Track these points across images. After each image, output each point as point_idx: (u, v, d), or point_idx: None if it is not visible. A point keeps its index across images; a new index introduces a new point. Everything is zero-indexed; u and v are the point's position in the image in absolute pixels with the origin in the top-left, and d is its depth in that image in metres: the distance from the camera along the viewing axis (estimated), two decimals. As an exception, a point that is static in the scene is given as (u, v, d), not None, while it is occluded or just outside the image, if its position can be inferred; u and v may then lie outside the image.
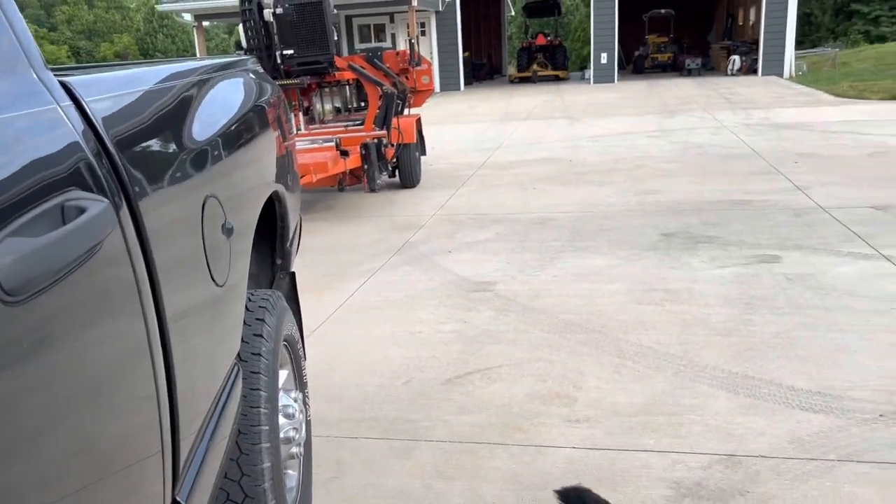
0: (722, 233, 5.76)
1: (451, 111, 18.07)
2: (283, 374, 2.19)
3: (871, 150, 8.88)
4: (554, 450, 2.83)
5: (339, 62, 7.77)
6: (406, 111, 8.70)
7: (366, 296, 4.83)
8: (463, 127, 14.66)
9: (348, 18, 24.36)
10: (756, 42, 22.30)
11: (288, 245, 2.49)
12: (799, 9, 21.78)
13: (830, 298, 4.24)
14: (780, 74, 21.35)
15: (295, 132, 7.71)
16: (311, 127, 8.28)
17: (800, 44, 25.34)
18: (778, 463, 2.66)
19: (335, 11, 8.63)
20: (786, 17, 21.18)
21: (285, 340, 2.16)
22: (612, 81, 22.95)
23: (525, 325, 4.14)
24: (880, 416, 2.93)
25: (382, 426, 3.07)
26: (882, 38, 36.28)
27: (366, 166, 6.99)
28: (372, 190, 7.16)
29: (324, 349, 3.96)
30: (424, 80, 9.02)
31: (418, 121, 8.60)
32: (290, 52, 7.45)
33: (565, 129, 13.29)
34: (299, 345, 2.40)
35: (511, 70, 30.88)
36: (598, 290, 4.65)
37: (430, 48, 23.82)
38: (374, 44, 23.14)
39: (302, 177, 5.85)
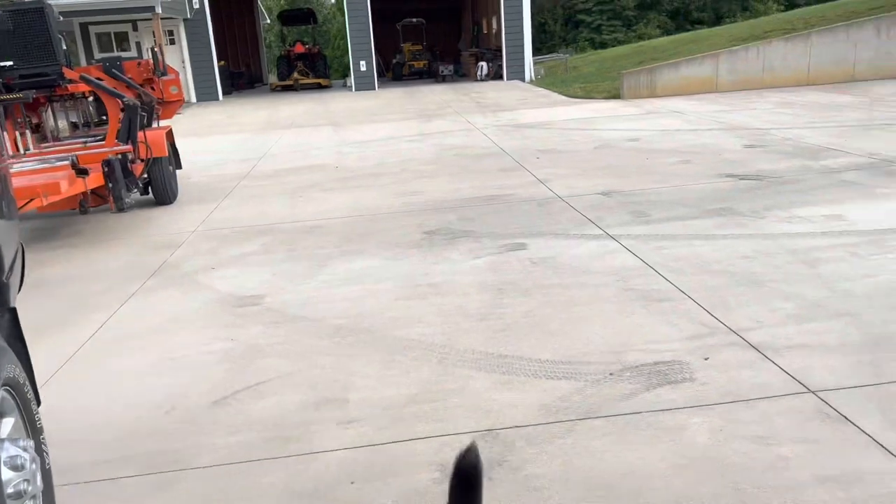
0: (477, 226, 6.19)
1: (210, 122, 17.25)
2: (8, 422, 1.96)
3: (597, 144, 10.08)
4: (327, 454, 2.85)
5: (70, 74, 7.06)
6: (156, 123, 8.16)
7: (119, 324, 4.46)
8: (224, 138, 14.08)
9: (83, 26, 22.17)
10: (500, 49, 24.19)
11: (4, 278, 2.23)
12: (534, 19, 23.99)
13: (568, 277, 4.76)
14: (522, 79, 23.39)
15: (13, 152, 6.88)
16: (43, 145, 7.43)
17: (538, 50, 27.91)
18: (530, 431, 2.93)
19: (61, 18, 7.81)
20: (522, 26, 23.24)
21: (5, 384, 1.93)
22: (374, 89, 23.49)
23: (295, 336, 4.11)
24: (610, 374, 3.36)
25: (142, 462, 2.87)
26: (604, 45, 41.31)
27: (110, 184, 6.43)
28: (120, 209, 6.61)
29: (71, 388, 3.60)
30: (173, 91, 8.53)
31: (169, 133, 8.10)
32: (9, 63, 6.64)
33: (330, 136, 13.35)
34: (27, 388, 2.16)
35: (272, 79, 30.28)
36: (367, 291, 4.76)
37: (181, 57, 22.52)
38: (115, 53, 21.30)
39: (29, 201, 5.23)
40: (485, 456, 2.71)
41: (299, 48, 27.60)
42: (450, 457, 2.75)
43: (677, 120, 11.89)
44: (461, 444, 2.83)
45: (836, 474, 2.48)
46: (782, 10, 36.43)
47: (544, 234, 5.81)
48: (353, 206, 7.33)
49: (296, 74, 26.65)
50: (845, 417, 2.82)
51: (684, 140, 9.82)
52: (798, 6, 36.65)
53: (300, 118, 16.88)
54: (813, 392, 3.04)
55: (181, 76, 19.26)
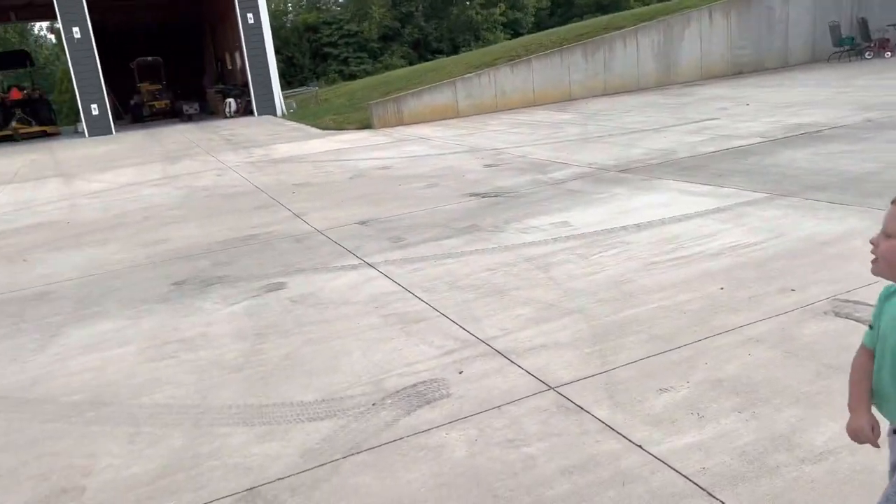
0: (232, 270, 5.91)
1: None
2: None
3: (352, 174, 10.23)
4: (59, 556, 2.49)
5: None
6: None
7: None
8: (-78, 201, 12.00)
9: None
10: (247, 85, 23.64)
11: None
12: (280, 52, 23.82)
13: (329, 311, 4.72)
14: (274, 113, 23.07)
15: None
16: None
17: (288, 84, 27.78)
18: (293, 480, 2.82)
19: None
20: (267, 61, 22.95)
21: None
22: (110, 133, 21.63)
23: (19, 423, 3.57)
24: (372, 405, 3.37)
25: None
26: (353, 76, 42.29)
27: None
28: None
29: None
30: None
31: None
32: None
33: (60, 188, 12.00)
34: None
35: (-15, 128, 26.57)
36: (108, 358, 4.29)
37: None
38: None
39: None
40: (245, 518, 2.56)
41: (16, 94, 24.58)
42: (206, 527, 2.55)
43: (424, 146, 12.50)
44: (219, 510, 2.64)
45: (577, 463, 2.71)
46: (509, 39, 40.20)
47: (304, 270, 5.72)
48: (89, 265, 6.62)
49: (15, 123, 23.65)
50: (581, 408, 3.10)
51: (431, 164, 10.33)
52: (521, 34, 40.74)
53: (23, 171, 14.98)
54: (553, 388, 3.30)
55: None
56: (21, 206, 10.43)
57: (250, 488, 2.79)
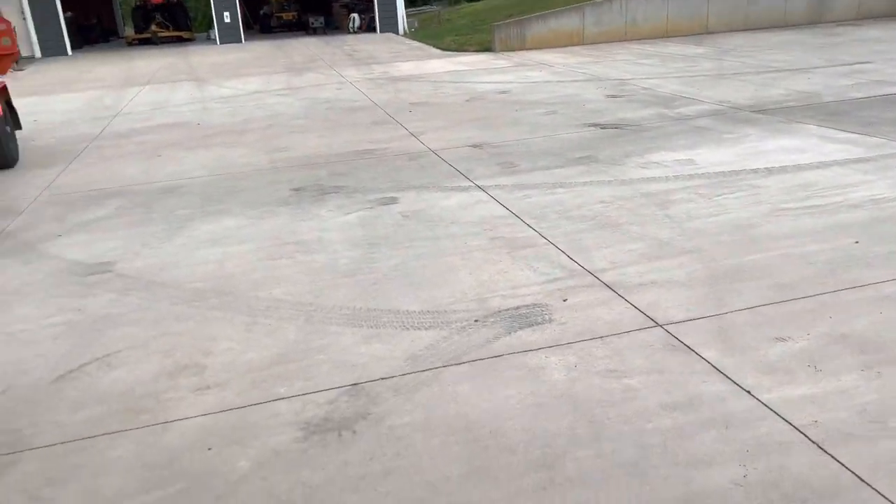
0: (348, 182, 6.06)
1: (58, 78, 15.81)
2: None
3: (469, 97, 10.11)
4: (182, 422, 2.72)
5: None
6: (-15, 80, 7.35)
7: (-53, 302, 4.04)
8: (74, 95, 12.95)
9: None
10: (372, 1, 23.59)
11: None
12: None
13: (438, 229, 4.77)
14: (396, 31, 23.00)
15: None
16: None
17: (411, 2, 27.50)
18: (396, 381, 2.93)
19: None
20: (394, -23, 22.75)
21: None
22: (240, 41, 22.34)
23: (150, 302, 3.88)
24: (475, 321, 3.41)
25: (-28, 447, 2.62)
26: (477, -2, 41.17)
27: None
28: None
29: None
30: (5, 43, 7.69)
31: (2, 90, 7.33)
32: None
33: (193, 91, 12.59)
34: None
35: (128, 32, 28.09)
36: (230, 253, 4.55)
37: (19, 7, 20.39)
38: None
39: None
40: (349, 411, 2.70)
41: (156, -1, 25.69)
42: (313, 414, 2.71)
43: (545, 72, 12.13)
44: (326, 399, 2.79)
45: (680, 401, 2.65)
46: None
47: (416, 187, 5.78)
48: (216, 165, 6.97)
49: (154, 27, 24.84)
50: (689, 347, 3.01)
51: (551, 91, 10.04)
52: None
53: (160, 73, 15.80)
54: (661, 325, 3.22)
55: (20, 28, 17.50)
56: (158, 106, 11.06)
57: (355, 384, 2.92)
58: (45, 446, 2.61)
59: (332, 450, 2.50)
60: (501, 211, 5.02)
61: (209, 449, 2.54)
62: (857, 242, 3.92)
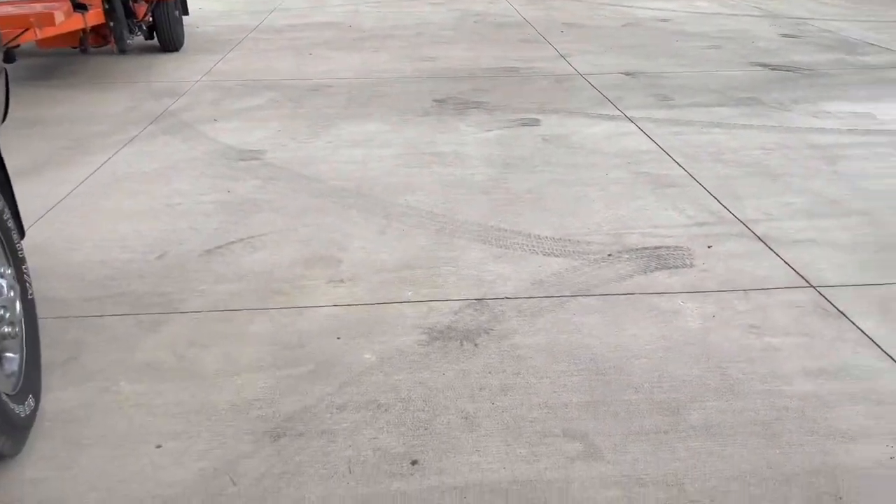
0: (491, 98, 5.94)
1: (223, -29, 16.37)
2: (-16, 248, 1.91)
3: (625, 21, 9.54)
4: (315, 309, 2.84)
5: None
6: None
7: (116, 167, 4.38)
8: (235, -12, 13.40)
9: None
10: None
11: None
12: None
13: (579, 156, 4.60)
14: (556, -53, 21.90)
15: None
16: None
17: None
18: (520, 303, 2.90)
19: None
20: None
21: (-20, 210, 1.86)
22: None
23: (293, 193, 4.03)
24: (608, 255, 3.29)
25: (130, 302, 2.87)
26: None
27: (111, 23, 6.13)
28: (121, 51, 6.35)
29: (63, 226, 3.57)
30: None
31: (174, -26, 7.66)
32: None
33: (346, -7, 12.68)
34: (6, 215, 2.10)
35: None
36: (370, 156, 4.62)
37: None
38: None
39: (22, 32, 4.99)
40: (472, 323, 2.70)
41: None
42: (437, 321, 2.74)
43: (714, 2, 11.19)
44: (451, 309, 2.82)
45: (826, 368, 2.45)
46: None
47: (559, 111, 5.58)
48: (363, 68, 7.04)
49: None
50: (843, 314, 2.77)
51: (718, 24, 9.27)
52: None
53: (317, -27, 15.98)
54: (814, 287, 2.97)
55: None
56: (312, 5, 11.24)
57: (480, 299, 2.92)
58: (191, 312, 2.81)
59: (453, 357, 2.53)
60: (649, 145, 4.76)
61: (338, 338, 2.64)
62: None
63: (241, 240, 3.44)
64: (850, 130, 4.95)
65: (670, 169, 4.34)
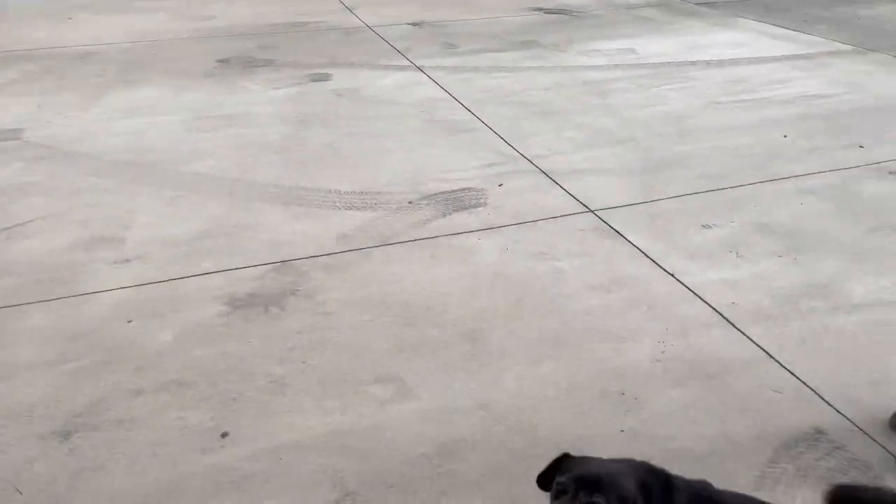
0: (278, 55, 5.73)
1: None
2: None
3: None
4: (100, 295, 2.62)
5: None
6: None
7: None
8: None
9: None
10: None
11: None
12: None
13: (373, 108, 4.60)
14: None
15: None
16: None
17: None
18: (326, 260, 2.88)
19: None
20: None
21: None
22: None
23: (65, 172, 3.65)
24: (409, 203, 3.35)
25: None
26: None
27: None
28: None
29: None
30: None
31: None
32: None
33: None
34: None
35: None
36: (152, 124, 4.29)
37: None
38: None
39: None
40: (276, 287, 2.64)
41: None
42: (238, 289, 2.65)
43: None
44: (253, 276, 2.73)
45: (606, 282, 2.71)
46: None
47: (351, 64, 5.52)
48: (134, 31, 6.46)
49: None
50: (618, 232, 3.06)
51: (497, -28, 9.60)
52: None
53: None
54: (593, 211, 3.24)
55: None
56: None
57: (283, 261, 2.86)
58: (-49, 316, 2.48)
59: (259, 324, 2.47)
60: (440, 93, 4.87)
61: (129, 321, 2.46)
62: (785, 137, 3.99)
63: (6, 229, 3.06)
64: (616, 66, 5.40)
65: (461, 114, 4.48)
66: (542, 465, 1.34)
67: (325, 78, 5.18)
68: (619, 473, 1.24)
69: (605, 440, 1.96)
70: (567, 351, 2.33)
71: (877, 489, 1.14)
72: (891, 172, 3.51)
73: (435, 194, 3.44)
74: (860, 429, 1.97)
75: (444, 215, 3.23)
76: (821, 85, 4.84)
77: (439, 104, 4.66)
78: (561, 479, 1.23)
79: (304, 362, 2.28)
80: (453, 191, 3.47)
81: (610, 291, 2.65)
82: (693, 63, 5.42)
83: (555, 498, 1.21)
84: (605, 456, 1.31)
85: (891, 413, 1.98)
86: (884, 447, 1.91)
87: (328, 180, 3.58)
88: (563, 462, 1.30)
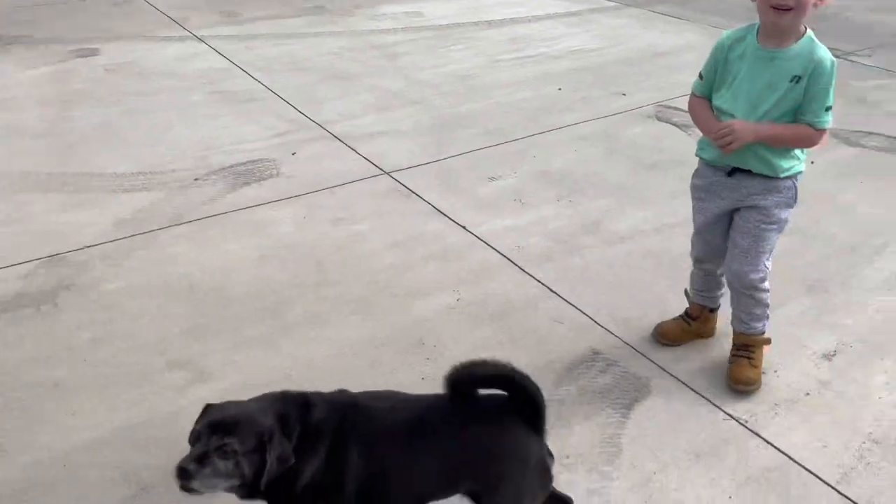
0: (35, 31, 5.14)
1: None
2: None
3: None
4: None
5: None
6: None
7: None
8: None
9: None
10: None
11: None
12: None
13: (150, 83, 4.28)
14: None
15: None
16: None
17: None
18: (104, 248, 2.66)
19: None
20: None
21: None
22: None
23: None
24: (195, 179, 3.19)
25: None
26: None
27: None
28: None
29: None
30: None
31: None
32: None
33: None
34: None
35: None
36: None
37: None
38: None
39: None
40: (48, 284, 2.41)
41: None
42: (4, 291, 2.38)
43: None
44: (19, 274, 2.47)
45: (403, 240, 2.77)
46: None
47: (122, 37, 5.09)
48: None
49: None
50: (412, 191, 3.13)
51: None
52: None
53: None
54: (387, 173, 3.28)
55: None
56: None
57: (54, 254, 2.60)
58: None
59: (31, 325, 2.24)
60: (223, 63, 4.64)
61: None
62: (559, 89, 4.29)
63: None
64: (404, 29, 5.46)
65: (248, 84, 4.31)
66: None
67: (92, 53, 4.73)
68: (254, 412, 1.28)
69: (408, 389, 2.03)
70: (371, 310, 2.36)
71: (492, 363, 1.33)
72: (648, 116, 3.90)
73: (223, 168, 3.30)
74: (629, 345, 2.20)
75: (235, 189, 3.11)
76: (588, 39, 5.24)
77: (224, 74, 4.45)
78: (196, 427, 1.25)
79: (85, 360, 2.11)
80: (243, 163, 3.35)
81: (408, 248, 2.71)
82: (476, 24, 5.62)
83: (191, 446, 1.23)
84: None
85: (652, 328, 2.23)
86: (648, 357, 2.15)
87: (103, 163, 3.30)
88: (204, 412, 1.30)
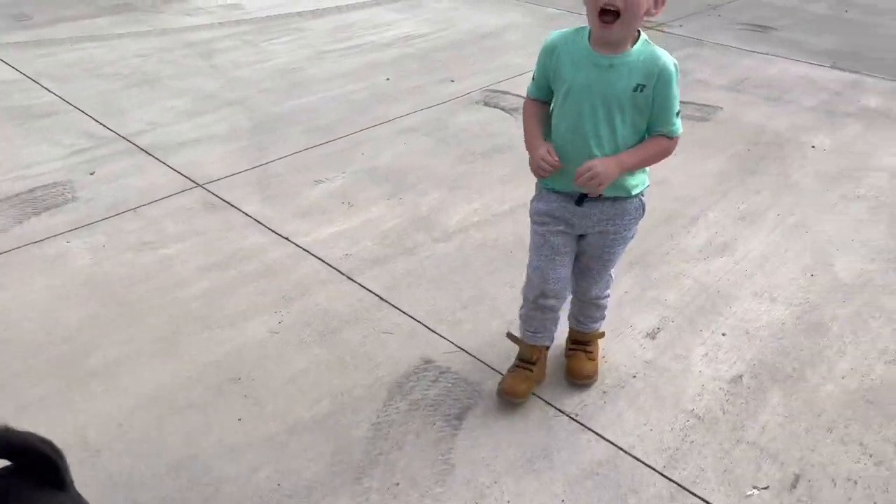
0: None
1: None
2: None
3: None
4: None
5: None
6: None
7: None
8: None
9: None
10: None
11: None
12: None
13: (-82, 103, 3.72)
14: None
15: None
16: None
17: None
18: None
19: None
20: None
21: None
22: None
23: None
24: (-27, 214, 2.77)
25: None
26: None
27: None
28: None
29: None
30: None
31: None
32: None
33: None
34: None
35: None
36: None
37: None
38: None
39: None
40: None
41: None
42: None
43: None
44: None
45: (220, 260, 2.53)
46: None
47: None
48: None
49: None
50: (229, 204, 2.89)
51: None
52: None
53: None
54: (200, 185, 3.01)
55: None
56: None
57: None
58: None
59: None
60: (12, 74, 4.12)
61: None
62: (387, 79, 4.15)
63: None
64: (221, 23, 5.10)
65: (40, 97, 3.85)
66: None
67: None
68: None
69: (223, 432, 1.83)
70: (180, 348, 2.13)
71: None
72: (476, 102, 3.86)
73: (9, 197, 2.90)
74: (462, 349, 2.12)
75: (20, 222, 2.74)
76: (416, 25, 5.14)
77: (12, 87, 3.95)
78: None
79: None
80: (32, 189, 2.96)
81: (225, 269, 2.49)
82: (300, 14, 5.36)
83: None
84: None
85: (485, 326, 2.16)
86: (480, 359, 2.08)
87: None
88: None
